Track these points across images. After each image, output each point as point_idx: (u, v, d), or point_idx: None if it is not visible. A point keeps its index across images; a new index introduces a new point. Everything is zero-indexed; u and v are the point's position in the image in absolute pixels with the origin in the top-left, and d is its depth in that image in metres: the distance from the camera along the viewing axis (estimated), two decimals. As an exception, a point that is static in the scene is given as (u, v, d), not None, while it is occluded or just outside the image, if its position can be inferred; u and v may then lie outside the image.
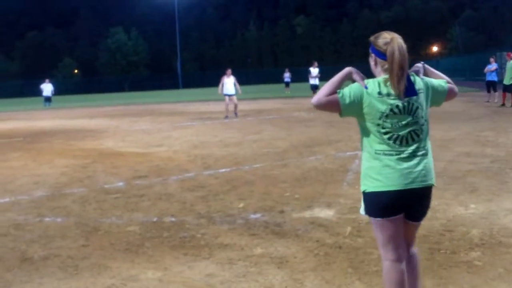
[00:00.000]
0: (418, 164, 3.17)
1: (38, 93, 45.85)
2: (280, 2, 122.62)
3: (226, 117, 21.80)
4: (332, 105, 3.16)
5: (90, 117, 27.26)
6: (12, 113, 35.03)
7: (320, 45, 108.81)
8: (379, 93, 3.12)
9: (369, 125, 3.17)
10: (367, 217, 5.91)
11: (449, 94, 3.42)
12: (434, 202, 6.65)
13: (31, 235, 6.11)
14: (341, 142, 12.87)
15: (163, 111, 29.99)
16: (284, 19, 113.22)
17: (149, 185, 8.63)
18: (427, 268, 4.50)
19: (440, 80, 3.39)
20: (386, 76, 3.14)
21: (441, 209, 6.42)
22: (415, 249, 3.49)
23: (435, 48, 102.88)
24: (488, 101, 24.29)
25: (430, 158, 3.25)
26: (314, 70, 28.78)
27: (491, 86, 24.65)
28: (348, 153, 11.05)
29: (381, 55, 3.15)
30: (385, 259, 3.32)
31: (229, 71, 22.70)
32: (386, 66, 3.13)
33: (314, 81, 28.77)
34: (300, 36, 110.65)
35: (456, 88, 3.48)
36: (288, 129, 16.35)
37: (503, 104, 21.90)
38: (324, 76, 28.37)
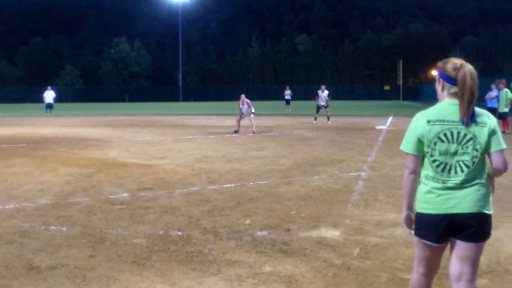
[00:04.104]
0: (463, 191, 3.28)
1: (40, 99, 46.00)
2: (284, 20, 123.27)
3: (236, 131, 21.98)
4: (418, 160, 3.38)
5: (92, 126, 27.24)
6: (14, 119, 35.02)
7: (322, 64, 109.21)
8: (428, 121, 3.29)
9: (424, 150, 3.33)
10: (374, 239, 5.95)
11: (493, 158, 3.32)
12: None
13: (37, 243, 6.10)
14: (344, 162, 12.88)
15: (165, 123, 29.98)
16: (286, 37, 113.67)
17: (154, 198, 8.63)
18: (436, 294, 4.51)
19: (501, 142, 3.32)
20: (450, 100, 3.32)
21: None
22: (471, 282, 3.41)
23: (434, 72, 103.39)
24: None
25: (481, 189, 3.30)
26: (323, 94, 29.13)
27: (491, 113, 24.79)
28: (351, 174, 11.06)
29: (450, 79, 3.30)
30: (415, 271, 3.54)
31: (242, 96, 22.64)
32: (453, 90, 3.29)
33: (322, 102, 29.04)
34: (302, 54, 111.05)
35: (504, 165, 3.31)
36: (291, 147, 16.35)
37: (504, 131, 21.98)
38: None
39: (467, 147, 3.25)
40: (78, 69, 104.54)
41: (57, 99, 45.49)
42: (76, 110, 49.30)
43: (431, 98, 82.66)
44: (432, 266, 3.52)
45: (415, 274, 3.56)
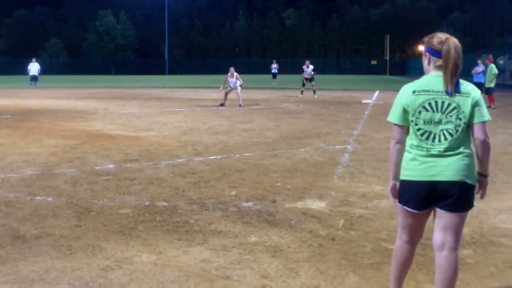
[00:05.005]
0: (446, 159, 3.31)
1: (25, 71, 45.60)
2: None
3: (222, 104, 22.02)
4: (403, 130, 3.44)
5: (77, 98, 27.06)
6: (-2, 90, 34.69)
7: (309, 38, 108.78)
8: (414, 91, 3.36)
9: (409, 119, 3.38)
10: (359, 210, 6.00)
11: (475, 129, 3.33)
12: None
13: (23, 213, 6.09)
14: (329, 135, 12.93)
15: (151, 96, 29.84)
16: (273, 11, 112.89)
17: (140, 169, 8.62)
18: (420, 264, 4.55)
19: (484, 114, 3.33)
20: (436, 73, 3.36)
21: (432, 206, 6.48)
22: (454, 251, 3.43)
23: (421, 47, 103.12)
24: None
25: (464, 159, 3.32)
26: (308, 70, 29.04)
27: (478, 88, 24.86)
28: (337, 147, 11.11)
29: (436, 53, 3.36)
30: (399, 238, 3.61)
31: (231, 69, 22.51)
32: (439, 63, 3.35)
33: (306, 76, 29.09)
34: (289, 28, 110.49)
35: (484, 136, 3.32)
36: (277, 120, 16.37)
37: (489, 106, 22.10)
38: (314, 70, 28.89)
39: (451, 116, 3.30)
40: (63, 41, 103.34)
41: (42, 71, 45.08)
42: (61, 83, 48.84)
43: (418, 73, 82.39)
44: (414, 234, 3.57)
45: (398, 242, 3.62)
